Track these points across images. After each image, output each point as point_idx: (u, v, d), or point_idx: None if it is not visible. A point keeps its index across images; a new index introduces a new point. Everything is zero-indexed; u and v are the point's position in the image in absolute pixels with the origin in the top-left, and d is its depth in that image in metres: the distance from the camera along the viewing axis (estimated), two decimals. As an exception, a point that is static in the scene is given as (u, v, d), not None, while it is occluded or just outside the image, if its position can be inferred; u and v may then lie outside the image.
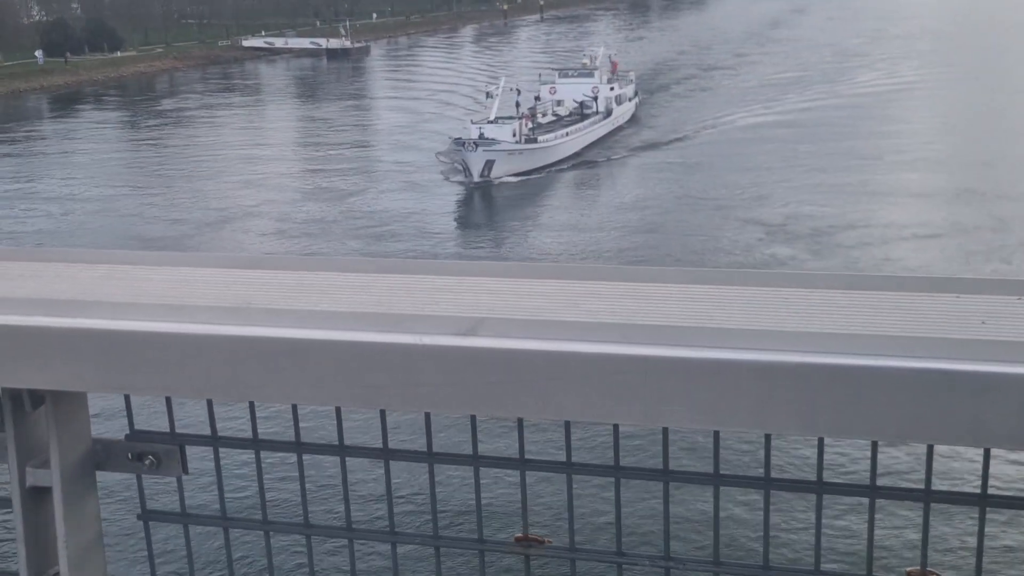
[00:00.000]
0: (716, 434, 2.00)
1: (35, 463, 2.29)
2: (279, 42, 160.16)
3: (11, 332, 2.10)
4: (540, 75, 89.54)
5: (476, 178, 67.39)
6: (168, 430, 2.37)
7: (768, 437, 1.98)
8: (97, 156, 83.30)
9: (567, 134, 76.31)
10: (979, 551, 2.11)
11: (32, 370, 2.13)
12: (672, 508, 2.18)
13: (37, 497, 2.32)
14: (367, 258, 2.44)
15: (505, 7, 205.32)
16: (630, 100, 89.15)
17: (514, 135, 71.73)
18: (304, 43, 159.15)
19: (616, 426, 2.08)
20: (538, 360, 1.90)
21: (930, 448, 1.90)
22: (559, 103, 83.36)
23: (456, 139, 69.75)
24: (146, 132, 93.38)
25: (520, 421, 2.12)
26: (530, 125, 74.92)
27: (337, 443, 2.31)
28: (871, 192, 63.08)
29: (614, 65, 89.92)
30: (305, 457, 2.35)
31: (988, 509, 2.02)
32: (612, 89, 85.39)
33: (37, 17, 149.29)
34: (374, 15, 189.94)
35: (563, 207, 65.69)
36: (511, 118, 74.08)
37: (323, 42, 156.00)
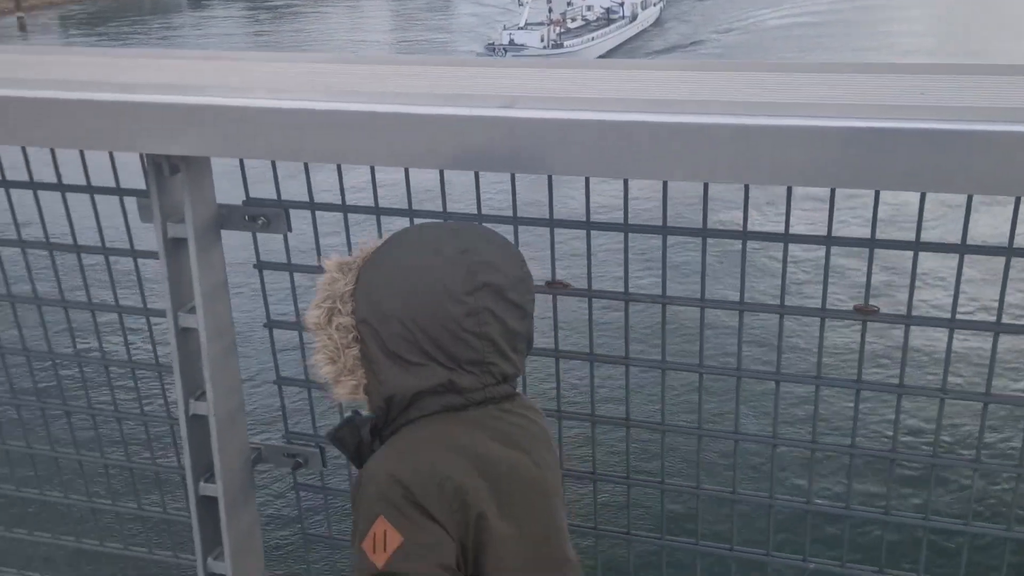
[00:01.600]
0: (706, 186, 2.06)
1: (174, 220, 2.42)
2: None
3: (154, 108, 2.15)
4: None
5: None
6: (276, 197, 2.49)
7: (746, 187, 2.04)
8: (223, 42, 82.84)
9: (592, 39, 70.25)
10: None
11: (170, 139, 2.21)
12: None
13: (177, 247, 2.45)
14: (417, 55, 2.48)
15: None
16: (655, 5, 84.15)
17: (542, 40, 66.03)
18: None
19: (626, 181, 2.14)
20: (562, 127, 1.95)
21: (876, 194, 1.95)
22: (589, 8, 76.95)
23: (488, 44, 64.11)
24: (264, 25, 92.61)
25: (550, 178, 2.19)
26: (559, 30, 68.97)
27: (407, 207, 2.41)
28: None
29: None
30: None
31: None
32: None
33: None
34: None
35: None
36: (540, 24, 68.73)
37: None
